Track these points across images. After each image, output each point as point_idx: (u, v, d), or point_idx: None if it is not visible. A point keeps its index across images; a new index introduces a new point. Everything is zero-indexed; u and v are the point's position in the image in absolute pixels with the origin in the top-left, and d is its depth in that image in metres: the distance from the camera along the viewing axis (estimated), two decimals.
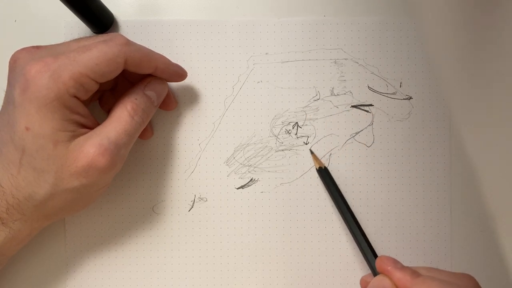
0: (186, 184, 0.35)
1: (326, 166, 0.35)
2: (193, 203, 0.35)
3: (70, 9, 0.31)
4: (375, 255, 0.32)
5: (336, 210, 0.35)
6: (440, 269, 0.30)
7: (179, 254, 0.35)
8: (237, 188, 0.35)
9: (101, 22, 0.33)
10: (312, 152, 0.35)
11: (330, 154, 0.35)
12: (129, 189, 0.35)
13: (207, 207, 0.35)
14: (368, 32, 0.35)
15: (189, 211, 0.35)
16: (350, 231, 0.33)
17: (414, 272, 0.28)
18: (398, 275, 0.28)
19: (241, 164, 0.35)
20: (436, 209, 0.35)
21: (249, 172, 0.35)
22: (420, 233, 0.35)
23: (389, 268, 0.29)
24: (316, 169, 0.35)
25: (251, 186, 0.35)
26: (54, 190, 0.28)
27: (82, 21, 0.33)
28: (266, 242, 0.35)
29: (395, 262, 0.29)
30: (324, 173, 0.34)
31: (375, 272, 0.31)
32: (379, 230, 0.35)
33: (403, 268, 0.28)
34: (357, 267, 0.35)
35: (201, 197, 0.35)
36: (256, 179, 0.35)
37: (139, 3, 0.35)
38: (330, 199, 0.35)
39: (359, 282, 0.34)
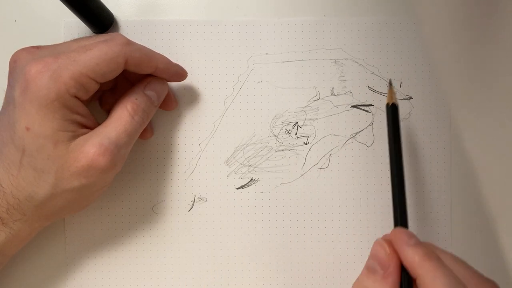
0: (186, 184, 0.35)
1: (327, 166, 0.35)
2: (193, 203, 0.35)
3: (70, 9, 0.31)
4: (405, 224, 0.28)
5: (336, 210, 0.35)
6: (468, 264, 0.25)
7: (179, 254, 0.35)
8: (237, 188, 0.35)
9: (101, 22, 0.33)
10: (390, 84, 0.32)
11: (330, 154, 0.35)
12: (129, 189, 0.35)
13: (207, 207, 0.35)
14: (368, 32, 0.35)
15: (189, 211, 0.35)
16: (391, 184, 0.29)
17: (427, 254, 0.24)
18: (406, 253, 0.25)
19: (241, 164, 0.35)
20: (436, 209, 0.35)
21: (249, 172, 0.35)
22: (420, 233, 0.35)
23: (399, 243, 0.26)
24: (387, 104, 0.31)
25: (251, 186, 0.35)
26: (54, 190, 0.28)
27: (82, 21, 0.33)
28: (266, 242, 0.35)
29: (409, 238, 0.26)
30: (393, 111, 0.30)
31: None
32: (379, 230, 0.35)
33: (416, 245, 0.25)
34: (357, 267, 0.35)
35: (201, 197, 0.35)
36: (256, 179, 0.35)
37: (139, 3, 0.35)
38: (331, 198, 0.35)
39: None
